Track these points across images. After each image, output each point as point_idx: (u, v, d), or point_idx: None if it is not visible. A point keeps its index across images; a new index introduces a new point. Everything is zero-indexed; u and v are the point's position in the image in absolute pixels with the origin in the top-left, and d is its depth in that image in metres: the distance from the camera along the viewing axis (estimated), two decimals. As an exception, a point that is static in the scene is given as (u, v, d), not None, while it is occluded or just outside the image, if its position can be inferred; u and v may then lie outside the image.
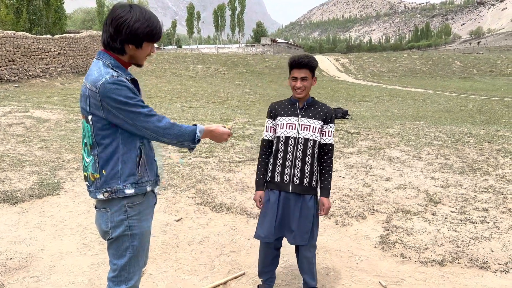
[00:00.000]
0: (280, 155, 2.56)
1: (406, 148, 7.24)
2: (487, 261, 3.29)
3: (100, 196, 1.83)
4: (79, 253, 3.38)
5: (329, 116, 2.57)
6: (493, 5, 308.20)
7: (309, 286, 2.72)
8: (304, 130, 2.53)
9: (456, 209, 4.42)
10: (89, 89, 1.75)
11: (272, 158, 2.63)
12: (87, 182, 1.90)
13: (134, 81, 1.89)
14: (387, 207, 4.47)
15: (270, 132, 2.65)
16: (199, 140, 1.93)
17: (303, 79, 2.48)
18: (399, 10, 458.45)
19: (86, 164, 1.88)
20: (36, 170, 5.55)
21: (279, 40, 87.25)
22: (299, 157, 2.53)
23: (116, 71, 1.78)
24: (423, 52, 61.28)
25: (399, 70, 38.43)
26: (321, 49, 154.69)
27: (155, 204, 2.05)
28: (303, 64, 2.47)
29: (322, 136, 2.57)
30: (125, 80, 1.77)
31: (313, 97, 2.64)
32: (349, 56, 48.08)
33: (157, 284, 2.95)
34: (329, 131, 2.58)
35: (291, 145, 2.54)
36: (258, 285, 2.85)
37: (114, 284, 1.92)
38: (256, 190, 2.65)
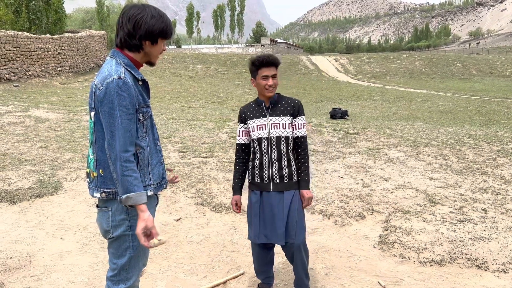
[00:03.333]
0: (257, 156, 2.60)
1: (405, 149, 7.25)
2: (485, 261, 3.29)
3: (97, 195, 1.85)
4: (78, 252, 3.38)
5: (296, 109, 2.57)
6: (492, 6, 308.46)
7: (301, 283, 2.75)
8: (274, 128, 2.55)
9: (455, 209, 4.43)
10: (95, 85, 1.78)
11: (251, 159, 2.67)
12: (88, 179, 1.92)
13: (144, 82, 1.91)
14: (386, 207, 4.48)
15: (242, 136, 2.68)
16: (122, 201, 1.74)
17: (273, 76, 2.50)
18: (399, 11, 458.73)
19: (89, 161, 1.91)
20: (36, 169, 5.56)
21: (279, 40, 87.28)
22: (274, 156, 2.55)
23: (128, 70, 1.80)
24: (422, 53, 61.35)
25: (399, 70, 38.46)
26: (321, 49, 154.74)
27: (156, 205, 2.04)
28: (271, 62, 2.49)
29: (294, 130, 2.58)
30: (132, 85, 1.77)
31: (278, 93, 2.64)
32: (348, 56, 48.12)
33: (156, 284, 2.96)
34: (299, 124, 2.58)
35: (264, 145, 2.57)
36: (258, 284, 2.86)
37: (112, 283, 1.92)
38: (233, 194, 2.71)
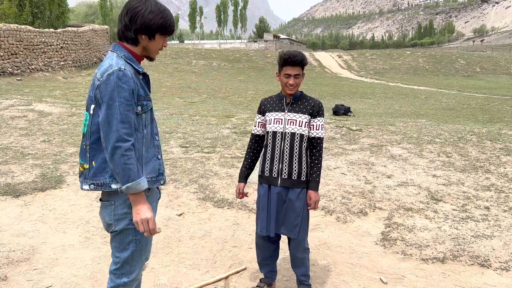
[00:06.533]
0: (269, 149, 2.62)
1: (408, 146, 7.24)
2: (488, 259, 3.29)
3: (86, 187, 1.84)
4: (81, 246, 3.39)
5: (316, 109, 2.58)
6: (497, 3, 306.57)
7: (301, 281, 2.75)
8: (290, 124, 2.57)
9: (458, 207, 4.42)
10: (97, 78, 1.78)
11: (262, 152, 2.70)
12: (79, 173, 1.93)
13: (145, 76, 1.91)
14: (389, 204, 4.48)
15: (258, 127, 2.72)
16: (124, 190, 1.74)
17: (296, 76, 2.51)
18: (403, 7, 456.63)
19: (81, 154, 1.91)
20: (39, 163, 5.57)
21: (282, 36, 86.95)
22: (286, 152, 2.57)
23: (129, 63, 1.81)
24: (426, 50, 61.08)
25: (402, 67, 38.31)
26: (324, 45, 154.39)
27: (158, 199, 2.05)
28: (297, 62, 2.49)
29: (311, 130, 2.60)
30: (132, 77, 1.77)
31: (301, 92, 2.66)
32: (351, 53, 47.93)
33: (159, 278, 2.97)
34: (317, 124, 2.59)
35: (278, 139, 2.59)
36: (260, 279, 2.86)
37: (115, 277, 1.92)
38: (238, 181, 2.75)
